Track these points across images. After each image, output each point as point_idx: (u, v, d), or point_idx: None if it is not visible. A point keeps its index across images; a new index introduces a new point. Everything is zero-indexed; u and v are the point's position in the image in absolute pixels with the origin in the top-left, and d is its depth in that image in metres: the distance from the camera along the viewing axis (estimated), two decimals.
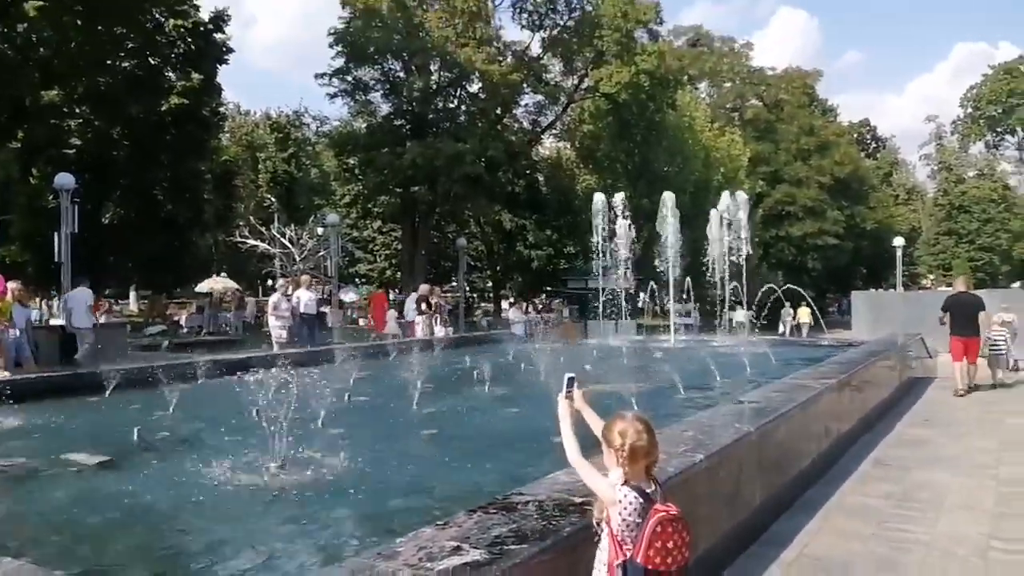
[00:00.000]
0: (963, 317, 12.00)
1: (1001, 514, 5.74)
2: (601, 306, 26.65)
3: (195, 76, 27.68)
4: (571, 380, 3.18)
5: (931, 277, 60.86)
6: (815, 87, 58.87)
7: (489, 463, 6.11)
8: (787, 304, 31.66)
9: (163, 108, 26.72)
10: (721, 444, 4.81)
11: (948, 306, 12.33)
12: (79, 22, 23.95)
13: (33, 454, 6.27)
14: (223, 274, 41.93)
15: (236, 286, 37.46)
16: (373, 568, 2.67)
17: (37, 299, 26.85)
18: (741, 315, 23.26)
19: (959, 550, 4.96)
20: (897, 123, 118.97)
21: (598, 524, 2.86)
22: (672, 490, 3.41)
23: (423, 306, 18.56)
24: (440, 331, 18.56)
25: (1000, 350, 13.23)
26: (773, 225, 49.69)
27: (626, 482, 2.82)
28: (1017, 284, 49.34)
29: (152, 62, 27.74)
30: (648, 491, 2.79)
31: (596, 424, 3.12)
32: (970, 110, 63.20)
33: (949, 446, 8.26)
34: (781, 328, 32.89)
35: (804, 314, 33.12)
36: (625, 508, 2.73)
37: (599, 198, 21.43)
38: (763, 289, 21.84)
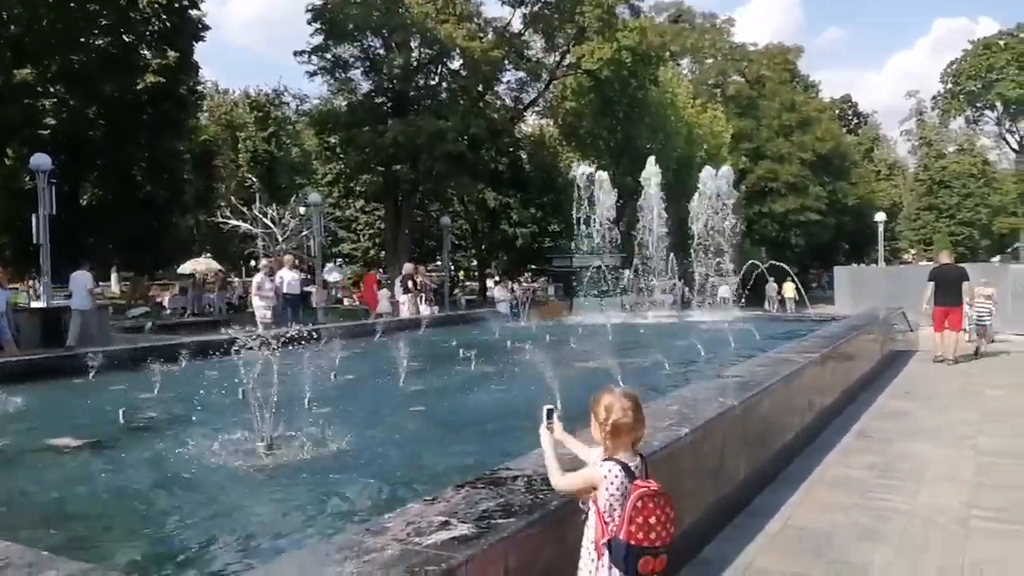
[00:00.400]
0: (946, 288, 12.43)
1: (981, 484, 5.84)
2: (585, 283, 26.72)
3: (171, 54, 27.24)
4: (550, 411, 3.21)
5: (912, 252, 61.44)
6: (796, 63, 58.93)
7: (476, 439, 6.13)
8: (771, 279, 32.13)
9: (139, 87, 26.30)
10: (706, 418, 4.84)
11: (933, 277, 12.78)
12: None
13: (17, 437, 6.22)
14: (206, 255, 41.57)
15: (219, 267, 37.15)
16: (361, 544, 2.68)
17: (28, 281, 26.50)
18: (725, 290, 23.47)
19: (940, 519, 5.04)
20: (878, 99, 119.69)
21: (584, 503, 2.87)
22: (657, 464, 3.43)
23: (408, 285, 18.52)
24: (425, 310, 18.54)
25: (985, 322, 13.79)
26: (756, 201, 49.86)
27: (609, 457, 2.83)
28: (997, 258, 49.92)
29: (126, 39, 27.25)
30: (631, 466, 2.79)
31: (579, 451, 3.18)
32: (950, 85, 63.52)
33: (930, 418, 8.38)
34: (767, 304, 33.28)
35: (789, 289, 33.93)
36: (612, 483, 2.73)
37: (582, 170, 21.20)
38: (746, 265, 21.97)
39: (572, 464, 3.08)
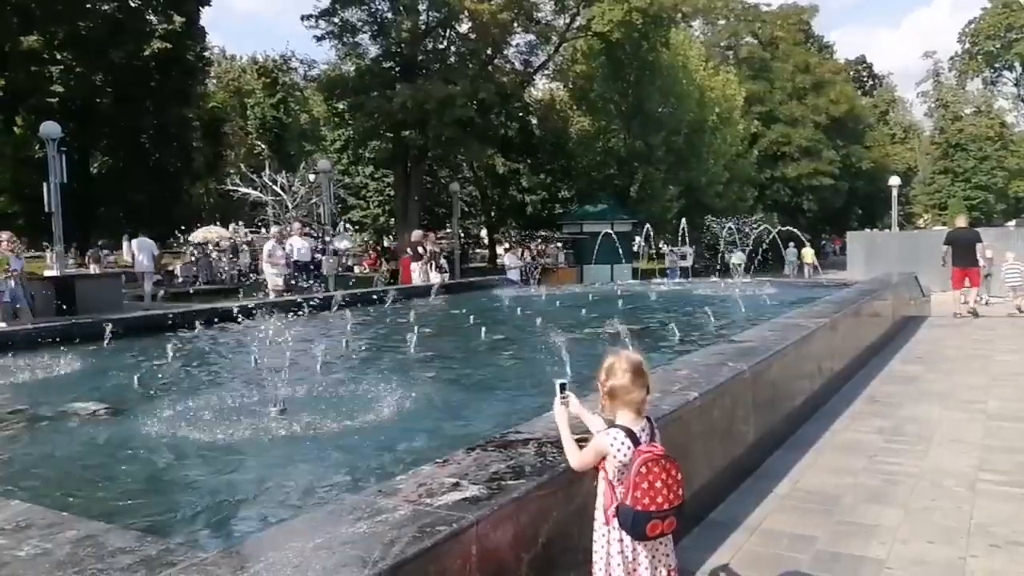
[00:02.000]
0: (963, 249, 13.58)
1: (989, 447, 5.85)
2: (596, 250, 26.68)
3: (177, 19, 27.06)
4: (563, 386, 3.11)
5: (927, 217, 60.93)
6: (811, 24, 57.91)
7: (486, 403, 6.19)
8: (791, 244, 32.59)
9: (146, 53, 26.18)
10: (715, 383, 4.87)
11: (950, 240, 13.89)
12: None
13: (34, 404, 6.32)
14: (216, 223, 41.66)
15: (229, 234, 37.26)
16: (374, 504, 2.72)
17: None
18: (738, 257, 23.49)
19: (947, 482, 5.07)
20: (895, 59, 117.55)
21: (592, 475, 2.88)
22: (667, 427, 3.46)
23: (418, 251, 18.52)
24: (436, 277, 18.56)
25: (1016, 282, 15.12)
26: (768, 166, 49.39)
27: (613, 424, 2.84)
28: (1012, 223, 49.40)
29: (132, 5, 27.07)
30: (636, 430, 2.79)
31: (594, 425, 3.06)
32: (968, 46, 62.35)
33: (940, 382, 8.38)
34: (786, 269, 33.55)
35: (808, 255, 34.84)
36: (619, 450, 2.74)
37: None
38: (758, 230, 21.83)
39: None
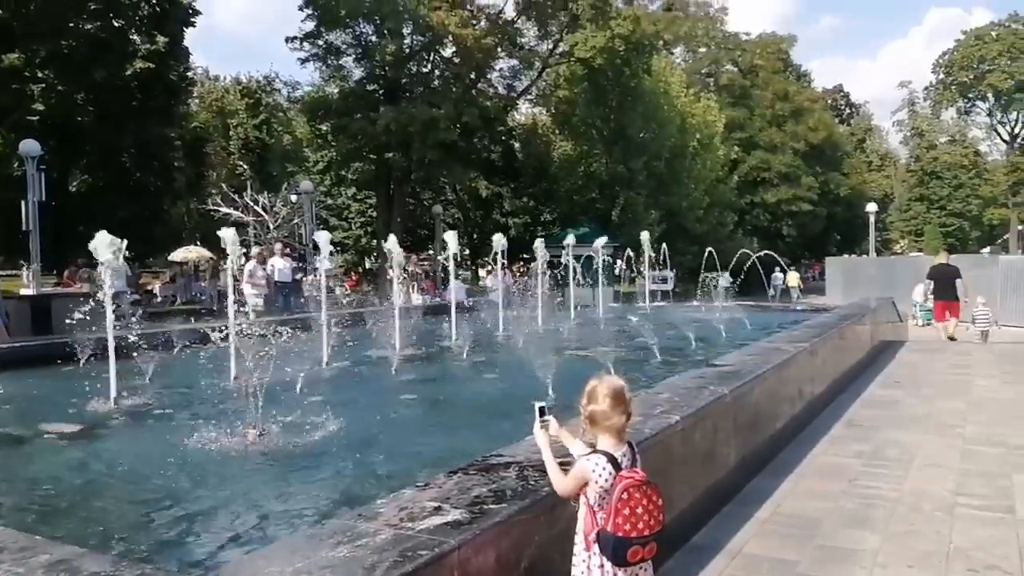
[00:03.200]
0: (944, 284, 14.25)
1: (967, 471, 5.90)
2: (578, 273, 26.70)
3: (160, 39, 26.98)
4: (542, 409, 3.09)
5: (903, 243, 61.78)
6: (790, 53, 58.87)
7: (467, 426, 6.16)
8: (776, 269, 33.25)
9: (128, 72, 26.05)
10: (697, 406, 4.88)
11: (932, 276, 14.56)
12: None
13: (8, 423, 6.21)
14: (197, 243, 41.35)
15: (210, 255, 37.00)
16: (354, 528, 2.70)
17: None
18: (725, 280, 23.82)
19: (926, 506, 5.10)
20: (872, 88, 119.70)
21: (574, 499, 2.86)
22: (648, 452, 3.46)
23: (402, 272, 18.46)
24: (417, 299, 18.54)
25: (985, 327, 15.38)
26: (748, 191, 49.90)
27: (595, 449, 2.83)
28: (987, 249, 50.22)
29: (116, 24, 26.98)
30: (617, 455, 2.78)
31: (575, 448, 3.03)
32: (942, 76, 63.61)
33: (918, 407, 8.45)
34: (771, 292, 33.96)
35: (793, 279, 35.64)
36: (600, 475, 2.73)
37: None
38: (737, 254, 22.02)
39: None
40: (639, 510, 2.68)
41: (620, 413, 2.80)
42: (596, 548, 2.73)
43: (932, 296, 14.54)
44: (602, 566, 2.72)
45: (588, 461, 2.77)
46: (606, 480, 2.72)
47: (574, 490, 2.81)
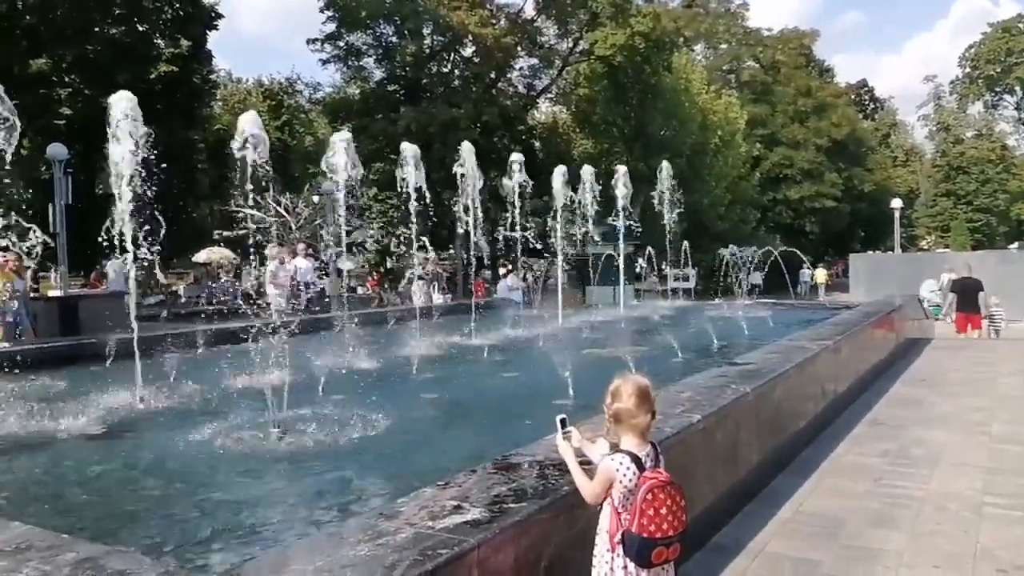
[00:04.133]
0: (966, 297, 14.79)
1: (993, 470, 5.81)
2: (598, 272, 26.68)
3: (184, 42, 27.30)
4: (563, 421, 3.10)
5: (929, 239, 60.92)
6: (812, 48, 58.29)
7: (488, 425, 6.17)
8: (805, 266, 33.27)
9: (152, 76, 26.38)
10: (718, 405, 4.85)
11: (955, 289, 15.19)
12: None
13: (35, 423, 6.30)
14: (221, 244, 41.73)
15: (232, 256, 37.35)
16: (375, 527, 2.71)
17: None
18: (756, 278, 23.93)
19: (952, 505, 5.03)
20: (897, 83, 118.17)
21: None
22: (669, 450, 3.45)
23: (422, 272, 18.54)
24: (438, 298, 18.59)
25: (1000, 326, 16.36)
26: (771, 188, 49.49)
27: (618, 448, 2.83)
28: (1015, 245, 49.38)
29: (140, 28, 27.33)
30: (641, 455, 2.78)
31: (596, 456, 3.00)
32: (968, 69, 62.67)
33: (944, 405, 8.34)
34: (800, 289, 33.87)
35: (821, 275, 35.56)
36: (624, 475, 2.73)
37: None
38: (760, 252, 21.84)
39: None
40: (663, 511, 2.67)
41: (646, 411, 2.81)
42: (620, 550, 2.72)
43: (955, 308, 15.16)
44: (625, 567, 2.72)
45: (612, 460, 2.77)
46: (630, 480, 2.72)
47: (602, 493, 2.80)
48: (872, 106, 75.17)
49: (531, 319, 13.99)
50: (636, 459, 2.76)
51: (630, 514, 2.70)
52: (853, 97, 66.84)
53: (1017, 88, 60.62)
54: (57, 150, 16.56)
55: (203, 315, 22.79)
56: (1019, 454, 6.27)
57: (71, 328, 14.46)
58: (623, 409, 2.79)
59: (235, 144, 6.98)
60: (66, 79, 25.60)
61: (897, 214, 34.88)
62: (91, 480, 4.84)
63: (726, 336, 10.95)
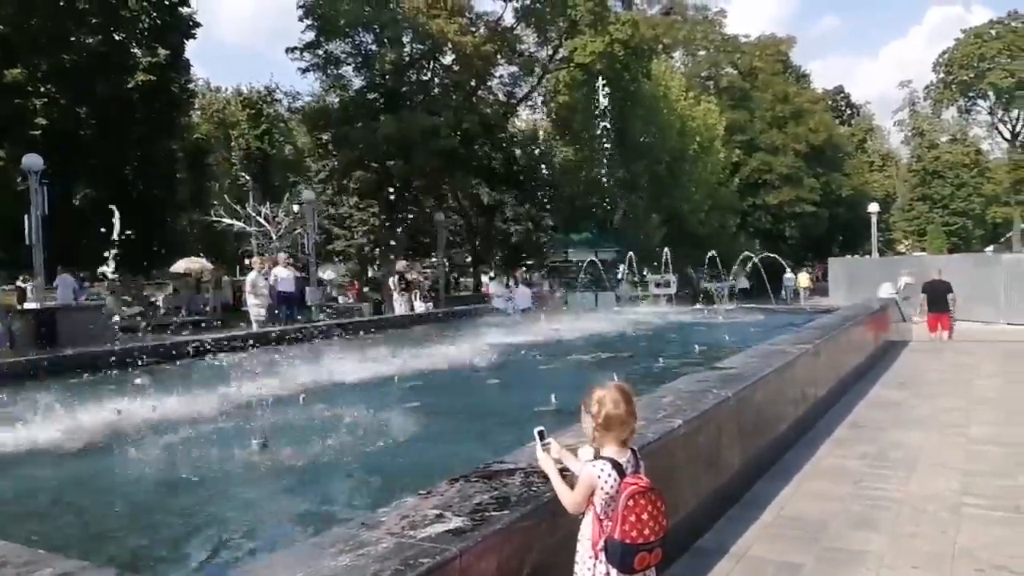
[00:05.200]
0: (937, 298, 15.40)
1: (972, 471, 5.88)
2: (580, 278, 26.76)
3: (161, 52, 27.10)
4: (541, 433, 3.11)
5: (906, 242, 61.64)
6: (789, 54, 58.90)
7: (470, 433, 6.16)
8: (788, 270, 33.76)
9: (130, 85, 26.16)
10: (700, 410, 4.87)
11: (925, 290, 15.71)
12: None
13: (11, 438, 6.21)
14: (200, 255, 41.43)
15: (212, 266, 37.07)
16: (356, 537, 2.70)
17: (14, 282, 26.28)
18: (743, 283, 24.26)
19: (931, 507, 5.08)
20: (874, 88, 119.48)
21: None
22: (651, 456, 3.46)
23: (400, 282, 18.51)
24: (420, 307, 18.55)
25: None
26: (750, 193, 49.87)
27: (599, 455, 2.83)
28: (990, 248, 50.12)
29: (117, 38, 27.09)
30: (622, 462, 2.79)
31: (576, 466, 3.03)
32: (942, 75, 63.53)
33: (922, 407, 8.43)
34: (783, 293, 34.15)
35: (804, 280, 36.11)
36: (606, 482, 2.73)
37: None
38: (740, 257, 22.00)
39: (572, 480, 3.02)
40: (644, 516, 2.68)
41: (633, 417, 2.85)
42: (603, 556, 2.72)
43: (926, 308, 15.69)
44: (608, 574, 2.72)
45: (593, 468, 2.77)
46: (611, 487, 2.73)
47: (583, 501, 2.80)
48: (848, 112, 75.98)
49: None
50: (617, 465, 2.76)
51: (612, 520, 2.70)
52: (830, 103, 67.53)
53: (990, 93, 61.54)
54: (32, 160, 16.36)
55: (183, 326, 22.63)
56: (996, 455, 6.35)
57: (49, 341, 14.27)
58: (614, 415, 2.80)
59: None
60: (41, 88, 25.32)
61: (874, 218, 35.23)
62: (67, 495, 4.78)
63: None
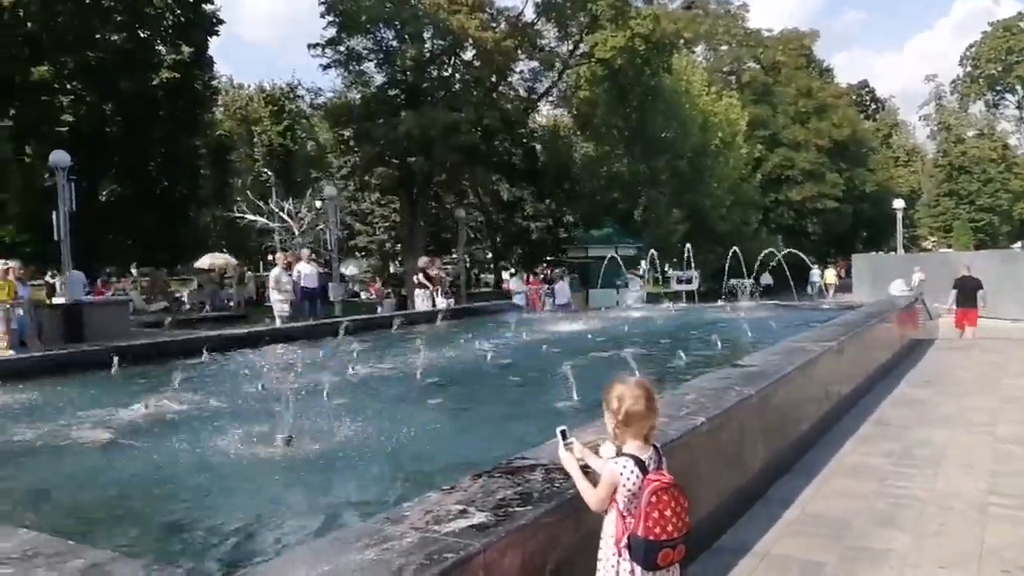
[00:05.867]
0: (965, 294, 15.88)
1: (999, 470, 5.81)
2: (601, 274, 26.69)
3: (185, 49, 27.37)
4: (564, 432, 3.10)
5: (932, 239, 60.84)
6: (812, 48, 58.28)
7: (493, 429, 6.17)
8: (814, 266, 33.86)
9: (155, 83, 26.45)
10: (722, 407, 4.85)
11: (956, 286, 16.12)
12: None
13: (41, 430, 6.32)
14: (223, 250, 41.83)
15: (236, 262, 37.43)
16: (381, 532, 2.72)
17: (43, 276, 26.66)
18: (766, 279, 24.17)
19: (957, 505, 5.03)
20: (898, 82, 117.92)
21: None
22: (673, 453, 3.45)
23: (422, 278, 18.56)
24: (441, 303, 18.58)
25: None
26: (772, 189, 49.44)
27: (621, 452, 2.83)
28: (1018, 244, 49.32)
29: (142, 35, 27.40)
30: (644, 458, 2.79)
31: (598, 463, 3.02)
32: (969, 69, 62.59)
33: (948, 405, 8.33)
34: (809, 289, 34.04)
35: (830, 275, 36.20)
36: (628, 479, 2.74)
37: None
38: (763, 253, 21.81)
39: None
40: (667, 512, 2.68)
41: (654, 413, 2.85)
42: (627, 553, 2.73)
43: (955, 304, 16.06)
44: (632, 571, 2.72)
45: (616, 464, 2.78)
46: (634, 483, 2.73)
47: (607, 499, 2.80)
48: (873, 106, 75.09)
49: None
50: (639, 462, 2.77)
51: (635, 517, 2.70)
52: (854, 97, 66.75)
53: (1018, 87, 60.56)
54: (60, 157, 16.59)
55: (208, 321, 22.87)
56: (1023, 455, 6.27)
57: (76, 335, 14.49)
58: (634, 411, 2.80)
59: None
60: (68, 86, 25.67)
61: (899, 214, 34.85)
62: (97, 487, 4.85)
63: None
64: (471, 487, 3.20)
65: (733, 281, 21.26)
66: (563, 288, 24.53)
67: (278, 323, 15.16)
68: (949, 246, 52.98)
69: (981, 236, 55.28)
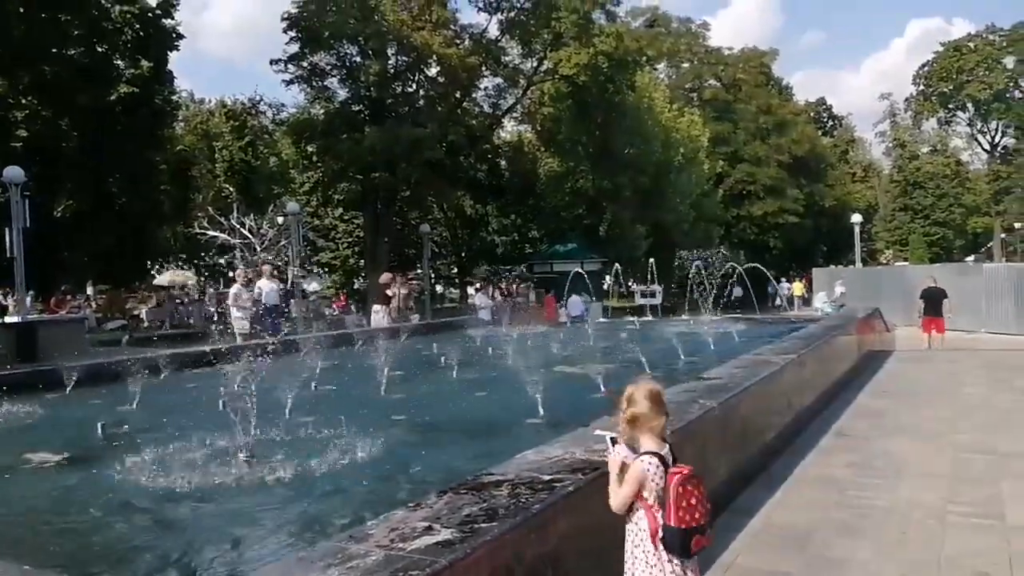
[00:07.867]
0: (932, 304, 16.62)
1: (958, 479, 5.92)
2: (566, 289, 26.78)
3: (144, 64, 26.96)
4: (613, 440, 3.09)
5: (888, 252, 62.15)
6: (771, 67, 59.44)
7: (458, 446, 6.13)
8: (783, 279, 34.51)
9: (112, 97, 26.01)
10: (685, 420, 4.88)
11: (923, 296, 16.86)
12: (21, 9, 23.21)
13: None
14: (183, 266, 41.18)
15: (196, 278, 36.84)
16: (345, 550, 2.68)
17: None
18: (738, 291, 24.62)
19: (917, 514, 5.11)
20: (857, 100, 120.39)
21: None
22: None
23: (387, 294, 18.41)
24: (408, 319, 18.44)
25: None
26: (734, 204, 50.19)
27: (638, 451, 2.92)
28: (971, 258, 50.68)
29: (99, 50, 26.95)
30: (662, 454, 2.91)
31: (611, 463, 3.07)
32: (922, 87, 64.30)
33: (908, 415, 8.48)
34: (778, 301, 34.61)
35: (798, 288, 36.71)
36: (655, 475, 2.85)
37: None
38: (725, 267, 22.10)
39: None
40: (693, 501, 2.82)
41: (660, 414, 2.97)
42: (662, 545, 2.84)
43: (922, 313, 16.76)
44: (671, 560, 2.84)
45: (641, 463, 2.88)
46: (660, 478, 2.86)
47: (631, 495, 2.89)
48: (831, 123, 76.68)
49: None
50: (661, 458, 2.89)
51: (665, 509, 2.82)
52: (812, 114, 68.17)
53: (969, 105, 62.31)
54: (14, 173, 16.21)
55: (166, 339, 22.44)
56: (982, 463, 6.39)
57: (28, 355, 14.09)
58: (640, 413, 2.93)
59: None
60: (23, 100, 25.14)
61: (857, 229, 35.55)
62: (51, 510, 4.71)
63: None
64: (436, 504, 3.17)
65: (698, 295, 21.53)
66: (576, 301, 25.17)
67: (238, 340, 14.91)
68: (905, 260, 54.16)
69: (936, 250, 56.60)
